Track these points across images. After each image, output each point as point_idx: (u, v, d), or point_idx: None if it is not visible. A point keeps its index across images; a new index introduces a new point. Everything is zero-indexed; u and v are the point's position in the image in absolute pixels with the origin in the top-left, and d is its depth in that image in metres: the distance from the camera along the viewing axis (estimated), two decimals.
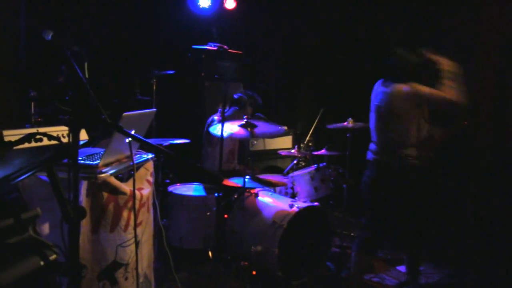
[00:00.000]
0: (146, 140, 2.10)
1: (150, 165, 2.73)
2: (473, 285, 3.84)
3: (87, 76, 2.29)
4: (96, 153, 2.47)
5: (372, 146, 3.55)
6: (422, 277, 4.00)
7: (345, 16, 6.03)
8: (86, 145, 2.51)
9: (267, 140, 5.40)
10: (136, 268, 2.34)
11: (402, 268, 4.19)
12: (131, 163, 2.36)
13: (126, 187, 2.33)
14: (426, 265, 4.23)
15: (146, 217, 2.64)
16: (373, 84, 4.70)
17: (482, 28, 4.81)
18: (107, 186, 2.22)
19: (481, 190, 4.80)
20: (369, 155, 3.53)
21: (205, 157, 4.64)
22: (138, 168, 2.62)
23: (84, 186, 2.13)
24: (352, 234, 4.68)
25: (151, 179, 2.70)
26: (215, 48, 5.42)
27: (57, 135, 1.80)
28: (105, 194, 2.22)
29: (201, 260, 4.02)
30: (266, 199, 4.02)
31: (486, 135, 4.78)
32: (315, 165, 4.46)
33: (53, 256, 1.71)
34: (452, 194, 4.89)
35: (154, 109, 2.57)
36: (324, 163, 4.58)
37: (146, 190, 2.56)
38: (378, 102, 3.48)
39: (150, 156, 2.75)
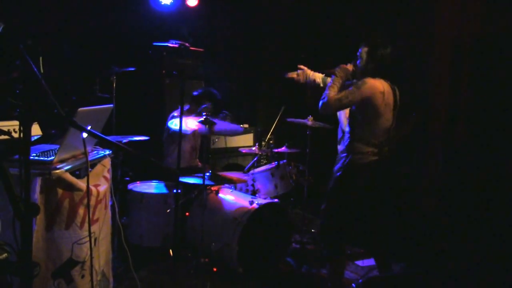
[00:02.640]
0: (102, 135, 2.08)
1: (107, 162, 2.70)
2: (425, 278, 3.96)
3: (42, 71, 2.25)
4: (52, 150, 2.42)
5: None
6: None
7: (307, 15, 6.12)
8: (40, 140, 2.46)
9: (229, 138, 5.42)
10: (92, 266, 2.30)
11: (360, 263, 4.29)
12: (89, 159, 2.33)
13: (82, 183, 2.29)
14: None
15: (104, 214, 2.61)
16: None
17: (437, 30, 4.99)
18: (62, 182, 2.18)
19: (434, 187, 4.98)
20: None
21: (168, 154, 4.61)
22: (94, 165, 2.58)
23: (38, 182, 2.09)
24: (312, 230, 4.76)
25: (108, 175, 2.67)
26: (176, 46, 5.40)
27: (8, 130, 1.76)
28: (60, 191, 2.18)
29: (162, 258, 3.99)
30: (227, 196, 4.04)
31: (440, 132, 4.97)
32: (276, 163, 4.51)
33: (4, 255, 1.68)
34: (405, 191, 5.05)
35: (111, 105, 2.54)
36: (285, 160, 4.63)
37: (103, 187, 2.53)
38: None
39: (107, 152, 2.72)
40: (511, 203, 4.17)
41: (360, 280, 3.61)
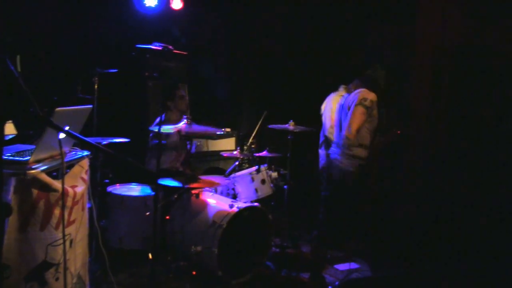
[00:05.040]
0: (79, 135, 2.07)
1: (85, 163, 2.67)
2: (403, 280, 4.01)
3: (19, 69, 2.23)
4: (28, 150, 2.39)
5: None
6: (357, 274, 4.15)
7: (292, 19, 6.16)
8: (16, 140, 2.43)
9: (210, 142, 5.41)
10: (65, 268, 2.27)
11: (340, 267, 4.32)
12: (66, 160, 2.30)
13: (59, 184, 2.26)
14: (362, 264, 4.40)
15: (81, 216, 2.58)
16: (316, 89, 4.89)
17: (418, 38, 5.08)
18: (37, 183, 2.15)
19: (417, 190, 5.04)
20: None
21: (152, 156, 4.58)
22: (72, 165, 2.56)
23: (12, 182, 2.06)
24: (292, 235, 4.77)
25: (86, 176, 2.65)
26: (160, 48, 5.39)
27: None
28: (35, 191, 2.15)
29: (141, 261, 3.95)
30: (207, 199, 4.03)
31: (421, 137, 5.05)
32: (256, 166, 4.52)
33: None
34: (389, 194, 5.11)
35: (90, 106, 2.52)
36: (265, 165, 4.65)
37: (80, 188, 2.51)
38: None
39: (85, 153, 2.69)
40: (491, 205, 4.23)
41: (336, 283, 3.64)
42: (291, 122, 4.38)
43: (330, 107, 4.80)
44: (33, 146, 2.45)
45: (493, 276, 3.56)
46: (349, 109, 4.37)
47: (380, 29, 5.45)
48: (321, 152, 4.95)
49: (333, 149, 4.59)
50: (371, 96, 4.37)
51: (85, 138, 2.08)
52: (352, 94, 4.44)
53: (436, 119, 4.98)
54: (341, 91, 4.86)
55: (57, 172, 2.44)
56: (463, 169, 4.56)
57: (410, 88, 5.19)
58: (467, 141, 4.67)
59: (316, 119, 4.99)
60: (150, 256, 3.95)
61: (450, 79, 4.94)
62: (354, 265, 4.36)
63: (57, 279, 2.32)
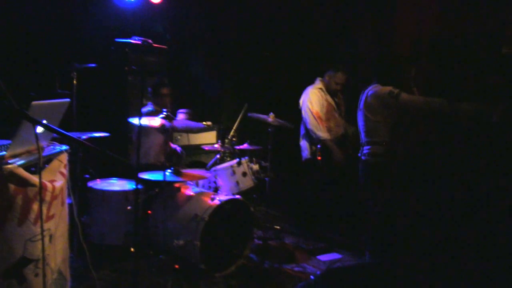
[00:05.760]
0: (56, 128, 2.05)
1: (64, 157, 2.64)
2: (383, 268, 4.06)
3: None
4: (4, 145, 2.36)
5: None
6: (339, 264, 4.20)
7: (273, 13, 6.17)
8: None
9: (191, 135, 5.40)
10: (44, 264, 2.25)
11: (322, 257, 4.37)
12: (44, 154, 2.28)
13: (37, 178, 2.24)
14: (344, 254, 4.45)
15: (60, 211, 2.56)
16: (297, 82, 4.88)
17: (396, 30, 5.15)
18: (14, 177, 2.12)
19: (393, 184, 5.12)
20: None
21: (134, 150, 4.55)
22: (50, 160, 2.53)
23: None
24: (275, 226, 4.80)
25: (65, 171, 2.62)
26: (139, 42, 5.34)
27: None
28: (12, 186, 2.12)
29: (123, 256, 3.93)
30: (189, 193, 4.03)
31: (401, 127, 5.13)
32: (237, 159, 4.53)
33: None
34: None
35: (68, 99, 2.49)
36: (246, 157, 4.67)
37: (59, 182, 2.48)
38: None
39: (64, 148, 2.67)
40: (466, 197, 4.31)
41: (318, 272, 3.67)
42: (271, 115, 4.41)
43: (309, 100, 4.82)
44: (9, 141, 2.42)
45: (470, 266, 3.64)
46: None
47: (359, 22, 5.50)
48: (303, 144, 4.98)
49: None
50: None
51: (63, 131, 2.06)
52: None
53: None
54: (318, 84, 4.90)
55: (36, 167, 2.41)
56: (442, 160, 4.64)
57: None
58: (445, 132, 4.76)
59: (297, 113, 5.01)
60: (132, 250, 3.94)
61: (427, 70, 5.03)
62: (336, 255, 4.42)
63: (36, 275, 2.29)
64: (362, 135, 4.01)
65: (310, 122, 4.77)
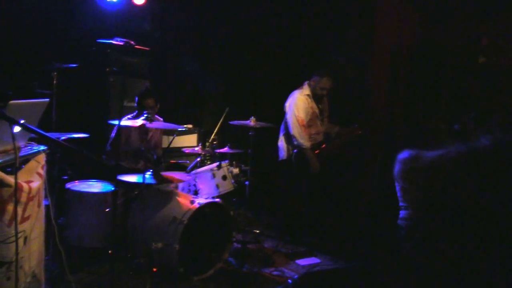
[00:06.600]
0: (34, 128, 2.03)
1: (41, 158, 2.61)
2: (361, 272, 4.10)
3: None
4: None
5: None
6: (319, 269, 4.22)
7: (254, 17, 6.20)
8: None
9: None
10: (17, 266, 2.21)
11: (301, 262, 4.38)
12: (21, 154, 2.25)
13: (12, 179, 2.21)
14: (323, 259, 4.48)
15: (36, 212, 2.52)
16: (277, 86, 4.91)
17: (376, 37, 5.23)
18: None
19: (374, 187, 5.18)
20: None
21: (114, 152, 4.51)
22: (27, 160, 2.49)
23: None
24: (254, 230, 4.81)
25: (42, 172, 2.59)
26: (121, 43, 5.33)
27: None
28: None
29: (101, 259, 3.89)
30: (168, 195, 4.01)
31: (380, 134, 5.20)
32: (218, 163, 4.53)
33: None
34: (347, 189, 5.23)
35: (47, 99, 2.47)
36: (226, 161, 4.67)
37: (36, 183, 2.45)
38: None
39: (42, 148, 2.63)
40: (448, 201, 4.38)
41: (295, 276, 3.69)
42: (252, 119, 4.42)
43: (296, 106, 4.85)
44: None
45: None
46: None
47: (341, 29, 5.57)
48: (281, 145, 5.02)
49: None
50: None
51: (41, 131, 2.04)
52: None
53: (394, 114, 5.16)
54: (305, 89, 4.93)
55: (12, 167, 2.38)
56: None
57: (369, 84, 5.35)
58: (424, 136, 4.86)
59: (277, 116, 5.04)
60: (110, 252, 3.90)
61: (407, 76, 5.13)
62: (315, 260, 4.44)
63: (8, 278, 2.25)
64: None
65: (293, 128, 4.79)
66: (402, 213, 3.44)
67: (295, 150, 4.82)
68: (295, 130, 4.77)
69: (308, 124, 4.84)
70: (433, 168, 2.74)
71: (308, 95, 4.89)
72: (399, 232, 3.41)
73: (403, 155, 2.93)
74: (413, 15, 5.08)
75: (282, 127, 5.02)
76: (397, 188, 3.18)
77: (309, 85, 4.92)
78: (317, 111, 4.94)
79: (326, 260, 4.47)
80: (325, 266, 4.32)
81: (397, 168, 2.96)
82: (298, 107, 4.81)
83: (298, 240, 4.85)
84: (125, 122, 3.77)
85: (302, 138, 4.75)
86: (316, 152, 4.82)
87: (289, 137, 4.87)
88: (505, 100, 4.63)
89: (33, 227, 2.50)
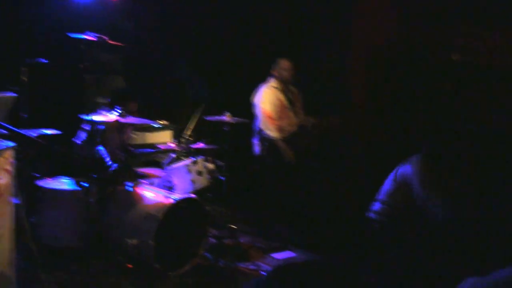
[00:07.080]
0: (1, 123, 1.99)
1: (9, 154, 2.56)
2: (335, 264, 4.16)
3: None
4: None
5: None
6: None
7: (229, 12, 6.18)
8: None
9: (147, 134, 5.32)
10: None
11: (277, 256, 4.41)
12: None
13: None
14: (299, 253, 4.51)
15: (4, 209, 2.48)
16: (251, 81, 4.94)
17: (354, 34, 5.31)
18: None
19: (352, 182, 5.24)
20: None
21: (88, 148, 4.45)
22: None
23: None
24: (230, 225, 4.80)
25: (10, 168, 2.54)
26: (94, 39, 5.26)
27: None
28: None
29: (77, 257, 3.82)
30: (143, 192, 3.98)
31: (359, 128, 5.29)
32: (193, 158, 4.52)
33: None
34: (325, 186, 5.27)
35: (14, 94, 2.42)
36: (202, 156, 4.66)
37: (3, 180, 2.41)
38: None
39: (10, 144, 2.58)
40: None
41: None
42: (228, 114, 4.43)
43: (261, 99, 4.91)
44: None
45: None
46: None
47: (318, 25, 5.61)
48: (255, 140, 5.08)
49: None
50: None
51: (9, 126, 2.01)
52: None
53: (372, 111, 5.25)
54: (271, 81, 4.98)
55: None
56: (396, 157, 4.80)
57: (346, 80, 5.42)
58: (402, 132, 4.97)
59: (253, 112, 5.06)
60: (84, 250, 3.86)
61: (384, 73, 5.21)
62: (291, 254, 4.48)
63: None
64: None
65: (261, 121, 4.91)
66: (376, 206, 3.50)
67: (265, 143, 4.89)
68: (262, 122, 4.88)
69: (278, 116, 4.93)
70: None
71: (275, 87, 4.96)
72: (373, 225, 3.46)
73: None
74: (390, 11, 5.17)
75: (255, 122, 5.07)
76: (388, 183, 3.26)
77: (274, 76, 4.99)
78: (285, 102, 5.01)
79: (302, 254, 4.51)
80: (299, 260, 4.37)
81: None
82: (263, 99, 4.95)
83: (273, 235, 4.88)
84: (98, 117, 3.72)
85: (268, 129, 4.89)
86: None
87: (261, 131, 4.94)
88: (477, 97, 4.76)
89: (2, 225, 2.46)
